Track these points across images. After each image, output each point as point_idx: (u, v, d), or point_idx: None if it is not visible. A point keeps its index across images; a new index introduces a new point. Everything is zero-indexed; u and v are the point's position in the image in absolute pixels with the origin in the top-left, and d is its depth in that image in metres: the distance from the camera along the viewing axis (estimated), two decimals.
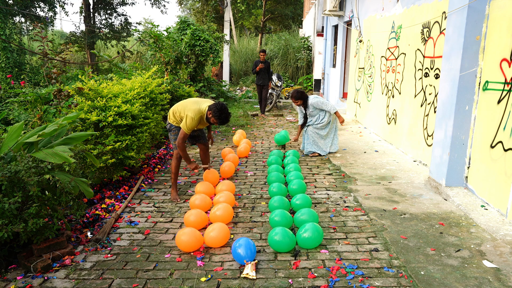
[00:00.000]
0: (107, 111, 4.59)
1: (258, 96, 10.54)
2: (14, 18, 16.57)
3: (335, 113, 6.09)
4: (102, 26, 23.03)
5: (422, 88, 5.64)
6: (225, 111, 4.08)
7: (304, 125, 6.31)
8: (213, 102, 4.29)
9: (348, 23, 10.21)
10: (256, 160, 6.11)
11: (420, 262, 3.02)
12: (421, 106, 5.66)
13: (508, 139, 3.68)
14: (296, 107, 6.34)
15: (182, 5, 28.28)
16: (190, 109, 4.16)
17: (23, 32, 18.60)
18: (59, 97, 4.54)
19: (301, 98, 6.03)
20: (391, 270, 2.91)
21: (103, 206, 4.15)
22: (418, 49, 5.80)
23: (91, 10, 22.27)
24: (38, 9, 18.93)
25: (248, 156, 6.35)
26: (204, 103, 4.25)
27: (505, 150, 3.72)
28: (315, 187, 4.82)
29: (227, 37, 14.10)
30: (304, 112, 6.23)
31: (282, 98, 13.78)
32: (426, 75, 5.52)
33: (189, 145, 6.71)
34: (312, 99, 6.07)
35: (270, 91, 11.06)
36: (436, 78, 5.19)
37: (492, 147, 3.93)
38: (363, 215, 3.95)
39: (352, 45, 9.79)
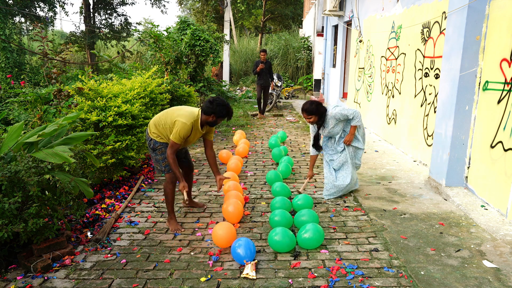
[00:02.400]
0: (107, 111, 4.59)
1: (257, 96, 10.06)
2: (14, 18, 16.56)
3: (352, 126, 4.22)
4: (102, 26, 23.02)
5: (422, 88, 5.64)
6: (225, 103, 3.47)
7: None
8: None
9: (348, 23, 10.21)
10: (256, 160, 6.11)
11: (420, 262, 3.02)
12: (421, 106, 5.66)
13: (508, 139, 3.68)
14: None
15: (182, 5, 28.27)
16: (179, 114, 3.47)
17: (23, 32, 18.59)
18: (59, 97, 4.53)
19: (316, 112, 4.01)
20: (391, 270, 2.91)
21: (103, 206, 4.15)
22: (418, 49, 5.80)
23: (91, 10, 22.27)
24: (38, 9, 18.93)
25: (248, 156, 6.35)
26: (192, 108, 3.63)
27: (505, 150, 3.72)
28: (315, 187, 4.82)
29: (227, 37, 14.10)
30: (316, 131, 4.32)
31: (282, 98, 13.78)
32: (426, 75, 5.52)
33: None
34: (332, 109, 4.13)
35: (270, 91, 11.00)
36: (436, 78, 5.19)
37: (492, 147, 3.93)
38: (363, 215, 3.95)
39: (352, 45, 9.79)
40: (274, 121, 9.67)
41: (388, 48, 7.08)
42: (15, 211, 2.71)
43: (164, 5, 27.79)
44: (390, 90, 6.98)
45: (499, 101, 3.82)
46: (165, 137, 3.57)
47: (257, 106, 10.64)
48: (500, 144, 3.80)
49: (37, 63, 14.75)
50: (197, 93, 9.27)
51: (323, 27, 13.62)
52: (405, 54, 6.29)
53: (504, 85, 3.74)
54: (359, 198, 4.39)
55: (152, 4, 24.44)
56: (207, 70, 13.76)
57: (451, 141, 4.36)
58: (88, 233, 3.50)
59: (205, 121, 3.52)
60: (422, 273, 2.87)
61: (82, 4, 21.91)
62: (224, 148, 6.82)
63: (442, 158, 4.51)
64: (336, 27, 11.74)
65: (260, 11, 26.34)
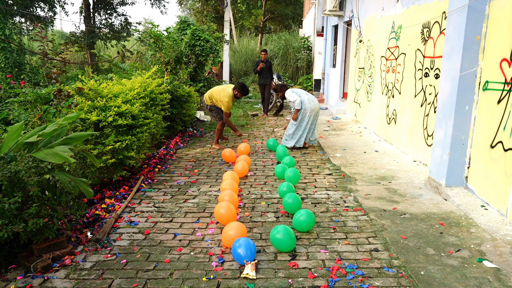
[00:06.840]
0: (107, 111, 4.59)
1: (261, 96, 10.54)
2: (14, 18, 16.55)
3: None
4: (102, 26, 23.02)
5: (422, 88, 5.64)
6: (246, 86, 6.51)
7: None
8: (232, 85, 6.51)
9: (348, 23, 10.21)
10: (256, 160, 6.11)
11: (420, 262, 3.02)
12: (421, 106, 5.66)
13: (508, 139, 3.68)
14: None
15: (182, 5, 28.27)
16: (225, 95, 6.39)
17: (23, 32, 18.58)
18: (59, 97, 4.53)
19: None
20: (391, 270, 2.91)
21: (103, 206, 4.15)
22: (418, 49, 5.80)
23: (91, 10, 22.27)
24: (38, 9, 18.92)
25: (248, 156, 6.35)
26: (229, 89, 6.46)
27: (505, 150, 3.72)
28: (315, 187, 4.81)
29: (227, 37, 14.09)
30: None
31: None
32: (426, 75, 5.52)
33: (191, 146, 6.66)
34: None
35: (270, 91, 11.03)
36: (436, 78, 5.19)
37: (492, 147, 3.93)
38: (363, 215, 3.95)
39: (352, 45, 9.79)
40: (274, 121, 9.67)
41: (388, 48, 7.08)
42: (15, 211, 2.71)
43: (164, 5, 27.73)
44: (390, 90, 6.98)
45: (499, 101, 3.82)
46: (217, 103, 6.58)
47: (257, 106, 10.67)
48: (500, 144, 3.80)
49: (37, 63, 14.74)
50: (197, 93, 9.27)
51: (323, 27, 13.61)
52: (405, 54, 6.29)
53: (504, 85, 3.74)
54: (359, 198, 4.39)
55: (152, 4, 24.42)
56: (207, 70, 13.76)
57: (451, 141, 4.36)
58: (88, 233, 3.50)
59: (235, 95, 6.49)
60: (422, 273, 2.87)
61: (82, 4, 21.90)
62: (225, 148, 6.82)
63: (442, 158, 4.51)
64: (336, 27, 11.73)
65: (260, 11, 26.34)
